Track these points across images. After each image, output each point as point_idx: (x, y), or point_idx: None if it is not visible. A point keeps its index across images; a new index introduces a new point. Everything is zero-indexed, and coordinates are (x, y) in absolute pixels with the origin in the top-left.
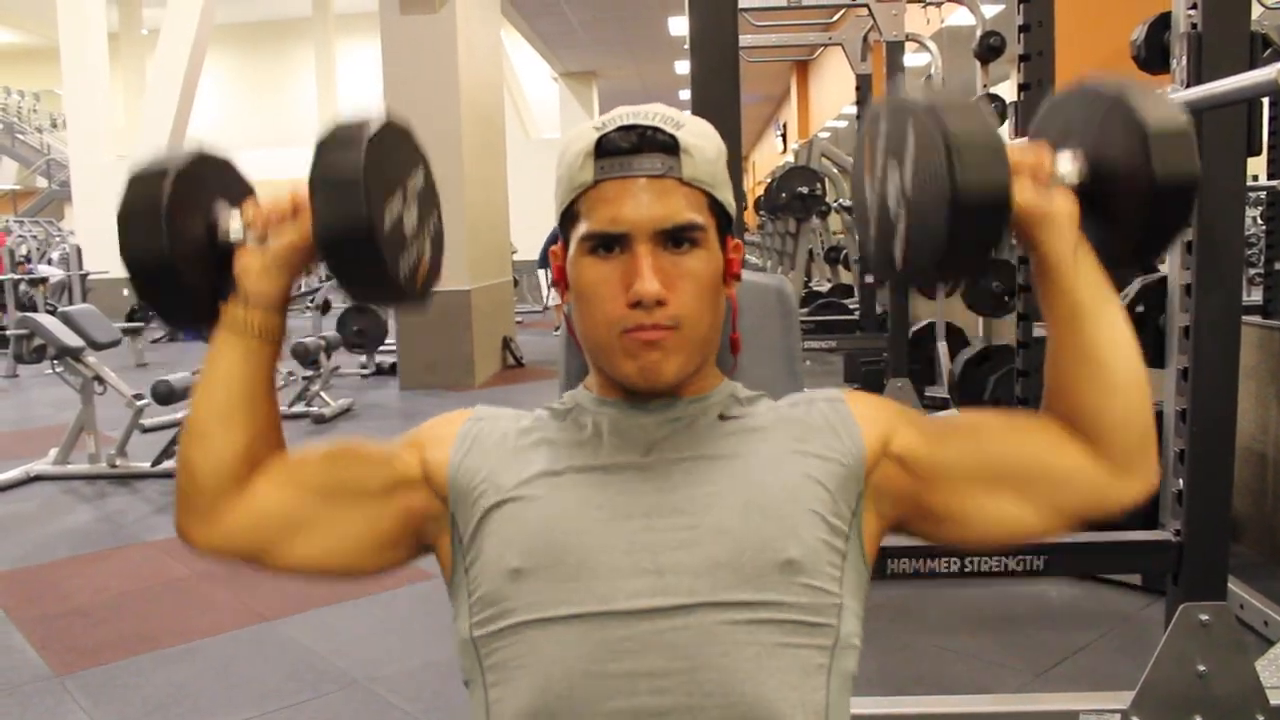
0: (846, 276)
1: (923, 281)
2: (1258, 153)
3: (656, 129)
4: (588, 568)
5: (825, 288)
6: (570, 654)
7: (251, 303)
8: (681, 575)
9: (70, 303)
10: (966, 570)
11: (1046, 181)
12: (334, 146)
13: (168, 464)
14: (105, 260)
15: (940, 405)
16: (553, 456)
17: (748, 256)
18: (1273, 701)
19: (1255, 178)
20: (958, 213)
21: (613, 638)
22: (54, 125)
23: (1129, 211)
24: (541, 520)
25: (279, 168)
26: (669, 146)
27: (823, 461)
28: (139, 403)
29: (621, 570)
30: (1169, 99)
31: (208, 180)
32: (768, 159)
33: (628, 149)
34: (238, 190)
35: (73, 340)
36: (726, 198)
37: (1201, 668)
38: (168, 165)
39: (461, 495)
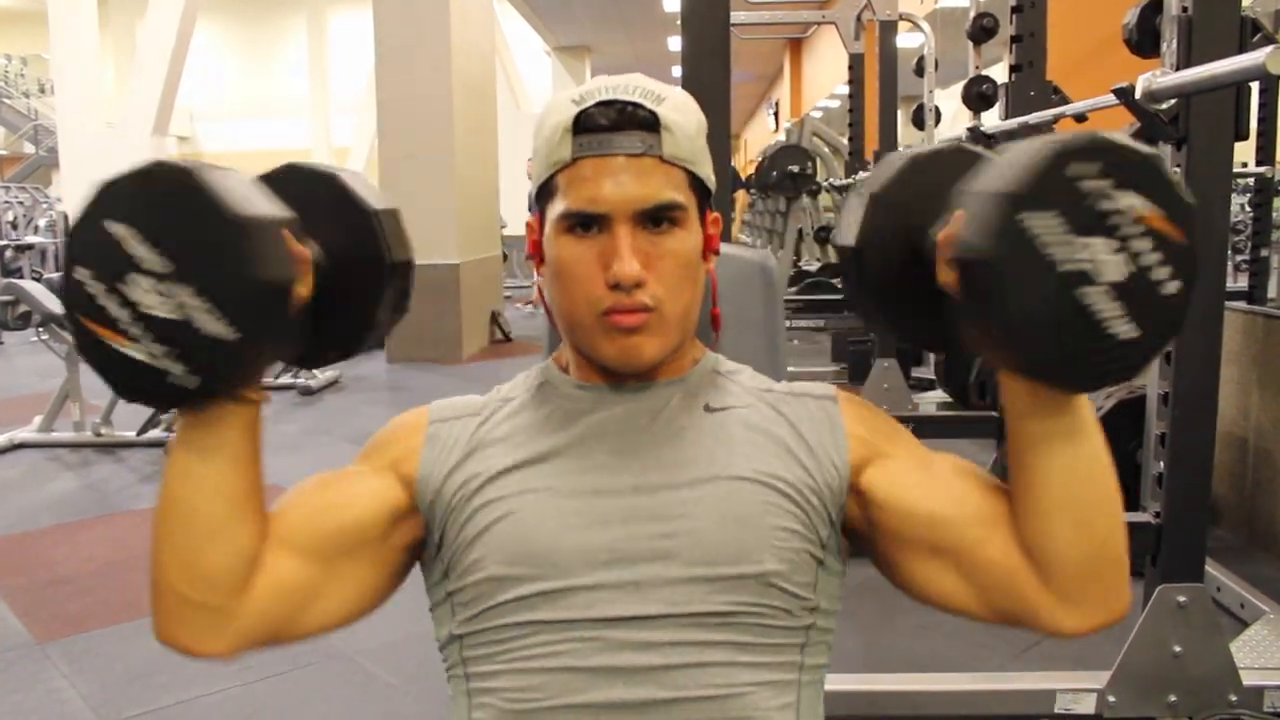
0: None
1: None
2: (1245, 138)
3: (637, 105)
4: (566, 580)
5: (814, 267)
6: (549, 651)
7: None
8: (659, 588)
9: (56, 269)
10: None
11: None
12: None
13: (153, 433)
14: None
15: (927, 386)
16: (525, 448)
17: (742, 237)
18: (1246, 682)
19: (1244, 164)
20: None
21: (590, 636)
22: (42, 90)
23: None
24: (518, 529)
25: (269, 137)
26: (649, 123)
27: (805, 469)
28: None
29: (600, 583)
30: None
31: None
32: (760, 137)
33: (607, 126)
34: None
35: (58, 307)
36: (706, 173)
37: (1177, 648)
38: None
39: (434, 505)
